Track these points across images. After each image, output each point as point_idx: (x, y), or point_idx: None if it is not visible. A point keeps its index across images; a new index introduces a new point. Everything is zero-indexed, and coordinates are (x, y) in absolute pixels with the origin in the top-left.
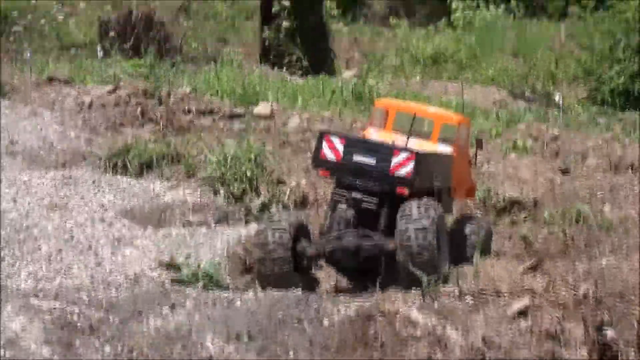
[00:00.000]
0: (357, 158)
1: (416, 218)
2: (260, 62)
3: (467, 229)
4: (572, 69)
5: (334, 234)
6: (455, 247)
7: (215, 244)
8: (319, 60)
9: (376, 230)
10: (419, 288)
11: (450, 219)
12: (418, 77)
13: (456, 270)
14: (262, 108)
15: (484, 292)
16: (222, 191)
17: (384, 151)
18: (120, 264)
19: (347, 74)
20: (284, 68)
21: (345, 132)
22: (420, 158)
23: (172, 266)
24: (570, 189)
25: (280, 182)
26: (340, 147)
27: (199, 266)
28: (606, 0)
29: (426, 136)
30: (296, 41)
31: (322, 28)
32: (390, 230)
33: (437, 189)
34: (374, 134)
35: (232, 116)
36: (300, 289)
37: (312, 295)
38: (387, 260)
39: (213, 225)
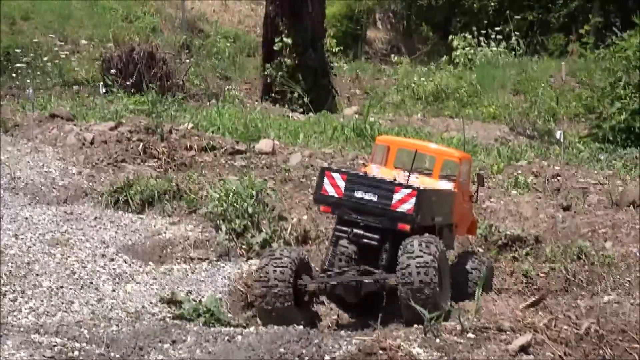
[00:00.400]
0: (359, 194)
1: (418, 254)
2: (262, 99)
3: (469, 265)
4: (573, 106)
5: (336, 270)
6: (457, 283)
7: (216, 280)
8: (321, 97)
9: (378, 267)
10: (420, 325)
11: (451, 256)
12: (419, 114)
13: (458, 307)
14: (263, 145)
15: (485, 328)
16: (223, 227)
17: (386, 187)
18: (122, 299)
19: (349, 110)
20: (286, 105)
21: (346, 169)
22: (422, 194)
23: (173, 302)
24: (572, 225)
25: (281, 218)
26: (341, 183)
27: (200, 302)
28: (606, 38)
29: (427, 172)
30: (298, 78)
31: (324, 65)
32: (391, 266)
33: (438, 226)
34: (376, 171)
35: (234, 153)
36: (301, 324)
37: (314, 330)
38: (389, 296)
39: (214, 261)
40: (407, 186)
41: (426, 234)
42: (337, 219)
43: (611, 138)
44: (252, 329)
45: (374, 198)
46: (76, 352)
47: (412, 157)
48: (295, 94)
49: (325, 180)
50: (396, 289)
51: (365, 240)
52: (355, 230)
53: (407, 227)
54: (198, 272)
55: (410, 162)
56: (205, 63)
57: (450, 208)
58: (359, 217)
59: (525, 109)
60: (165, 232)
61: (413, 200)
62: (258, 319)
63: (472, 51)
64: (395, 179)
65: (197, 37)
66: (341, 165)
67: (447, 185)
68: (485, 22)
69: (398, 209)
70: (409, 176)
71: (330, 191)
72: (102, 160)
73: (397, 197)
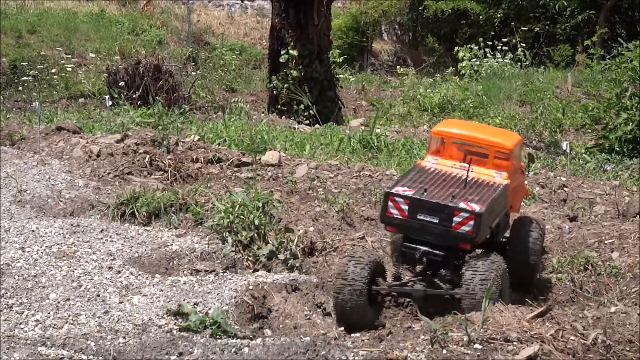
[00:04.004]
0: (421, 217)
1: (481, 270)
2: (268, 111)
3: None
4: (579, 117)
5: (406, 280)
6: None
7: (223, 292)
8: (327, 109)
9: (436, 274)
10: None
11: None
12: (426, 125)
13: (464, 318)
14: (269, 156)
15: (492, 339)
16: (229, 239)
17: (446, 211)
18: (128, 312)
19: (355, 122)
20: (292, 117)
21: (410, 193)
22: (480, 217)
23: (180, 314)
24: (578, 236)
25: (288, 229)
26: (404, 206)
27: (206, 314)
28: (612, 49)
29: (482, 162)
30: (304, 90)
31: (330, 77)
32: (453, 277)
33: (496, 224)
34: (432, 162)
35: (240, 164)
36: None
37: (320, 342)
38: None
39: (221, 273)
40: (466, 210)
41: (492, 255)
42: (403, 237)
43: (618, 149)
44: (258, 340)
45: (435, 220)
46: None
47: (468, 148)
48: (302, 106)
49: (390, 203)
50: (459, 300)
51: (431, 256)
52: (422, 248)
53: (469, 246)
54: (205, 284)
55: (467, 149)
56: (211, 75)
57: (505, 202)
58: (423, 237)
59: (531, 120)
60: (171, 244)
61: (472, 222)
62: (264, 331)
63: (478, 62)
64: (456, 202)
65: (203, 50)
66: (347, 176)
67: (500, 177)
68: (492, 33)
69: (458, 230)
70: (467, 172)
71: (395, 213)
72: (109, 173)
73: (456, 219)
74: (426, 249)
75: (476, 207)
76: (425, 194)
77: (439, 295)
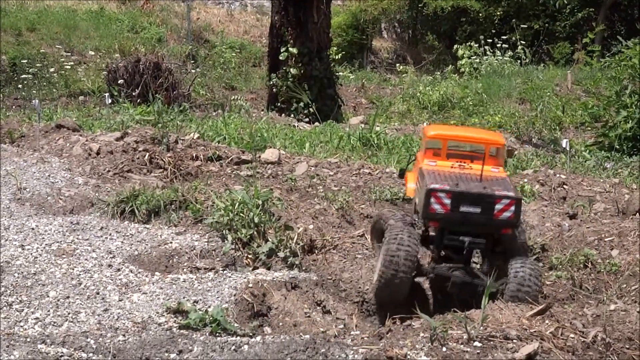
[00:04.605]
0: (464, 208)
1: (529, 266)
2: (268, 109)
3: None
4: (579, 115)
5: (448, 265)
6: None
7: (222, 290)
8: (327, 107)
9: (476, 265)
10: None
11: None
12: (425, 123)
13: (464, 315)
14: (269, 154)
15: (492, 336)
16: (229, 237)
17: (487, 200)
18: (128, 309)
19: (355, 120)
20: (292, 115)
21: (450, 187)
22: (519, 202)
23: (179, 312)
24: (578, 234)
25: (287, 227)
26: (447, 200)
27: (206, 312)
28: (612, 46)
29: (479, 157)
30: (303, 88)
31: (330, 75)
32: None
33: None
34: (430, 165)
35: (240, 162)
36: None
37: (320, 340)
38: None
39: (221, 270)
40: (506, 197)
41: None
42: (446, 230)
43: (617, 146)
44: (258, 338)
45: (477, 210)
46: None
47: (463, 149)
48: (301, 104)
49: (432, 199)
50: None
51: (474, 245)
52: (467, 239)
53: (511, 231)
54: (204, 281)
55: (462, 150)
56: (211, 73)
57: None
58: (466, 227)
59: (531, 118)
60: (171, 242)
61: (513, 208)
62: (264, 329)
63: (477, 60)
64: (494, 192)
65: (203, 48)
66: (347, 173)
67: (498, 171)
68: (491, 31)
69: (501, 217)
70: (482, 171)
71: (437, 208)
72: (108, 171)
73: (498, 207)
74: (470, 239)
75: (512, 194)
76: (467, 191)
77: (474, 285)
